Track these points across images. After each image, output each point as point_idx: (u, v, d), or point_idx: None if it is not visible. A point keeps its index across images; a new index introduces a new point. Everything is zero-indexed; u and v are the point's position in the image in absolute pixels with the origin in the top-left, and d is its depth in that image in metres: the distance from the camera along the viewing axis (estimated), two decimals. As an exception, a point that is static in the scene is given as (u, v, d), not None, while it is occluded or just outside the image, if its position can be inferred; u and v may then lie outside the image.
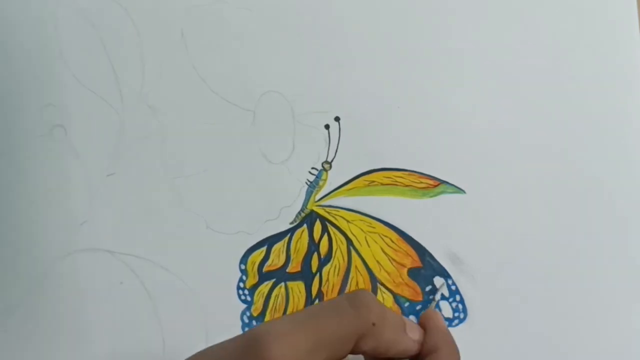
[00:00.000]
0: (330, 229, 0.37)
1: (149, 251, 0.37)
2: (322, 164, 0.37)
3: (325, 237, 0.37)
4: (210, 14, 0.39)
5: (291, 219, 0.37)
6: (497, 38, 0.39)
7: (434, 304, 0.36)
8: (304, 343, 0.26)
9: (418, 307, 0.37)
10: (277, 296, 0.37)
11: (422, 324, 0.30)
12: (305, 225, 0.37)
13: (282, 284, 0.37)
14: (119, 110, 0.37)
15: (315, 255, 0.36)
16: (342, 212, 0.37)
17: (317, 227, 0.37)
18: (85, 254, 0.36)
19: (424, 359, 0.29)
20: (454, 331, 0.36)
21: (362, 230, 0.37)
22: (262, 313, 0.37)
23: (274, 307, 0.37)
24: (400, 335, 0.28)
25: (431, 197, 0.37)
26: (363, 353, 0.28)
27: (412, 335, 0.29)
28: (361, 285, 0.37)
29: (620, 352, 0.36)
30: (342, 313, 0.27)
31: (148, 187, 0.37)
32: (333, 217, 0.37)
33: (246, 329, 0.37)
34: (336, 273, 0.37)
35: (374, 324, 0.27)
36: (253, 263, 0.37)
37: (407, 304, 0.37)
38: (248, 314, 0.37)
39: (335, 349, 0.27)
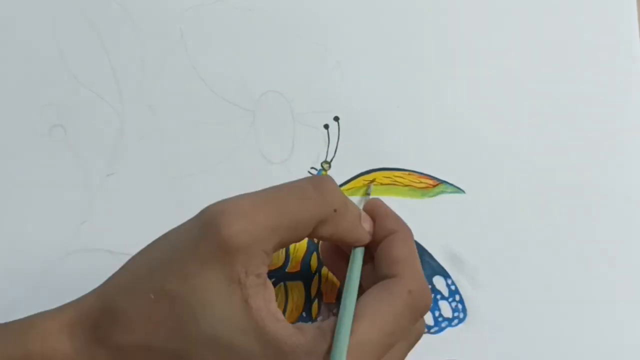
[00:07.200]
0: (330, 228, 0.37)
1: (149, 251, 0.37)
2: (322, 163, 0.37)
3: (325, 237, 0.37)
4: (210, 14, 0.39)
5: (290, 219, 0.37)
6: (497, 38, 0.39)
7: (370, 190, 0.36)
8: (265, 221, 0.25)
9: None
10: (276, 296, 0.37)
11: (370, 212, 0.30)
12: (304, 225, 0.37)
13: (282, 283, 0.36)
14: (119, 110, 0.37)
15: (314, 254, 0.36)
16: (342, 212, 0.37)
17: (317, 226, 0.37)
18: (85, 254, 0.36)
19: (378, 244, 0.29)
20: (454, 331, 0.36)
21: (361, 229, 0.37)
22: (262, 313, 0.37)
23: (273, 307, 0.37)
24: (357, 224, 0.29)
25: (430, 197, 0.37)
26: (319, 237, 0.28)
27: (365, 225, 0.29)
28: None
29: (621, 352, 0.36)
30: (305, 196, 0.26)
31: (148, 187, 0.37)
32: (332, 216, 0.37)
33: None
34: (335, 273, 0.37)
35: (335, 211, 0.27)
36: (252, 263, 0.37)
37: (406, 304, 0.37)
38: (247, 313, 0.37)
39: (295, 231, 0.26)
